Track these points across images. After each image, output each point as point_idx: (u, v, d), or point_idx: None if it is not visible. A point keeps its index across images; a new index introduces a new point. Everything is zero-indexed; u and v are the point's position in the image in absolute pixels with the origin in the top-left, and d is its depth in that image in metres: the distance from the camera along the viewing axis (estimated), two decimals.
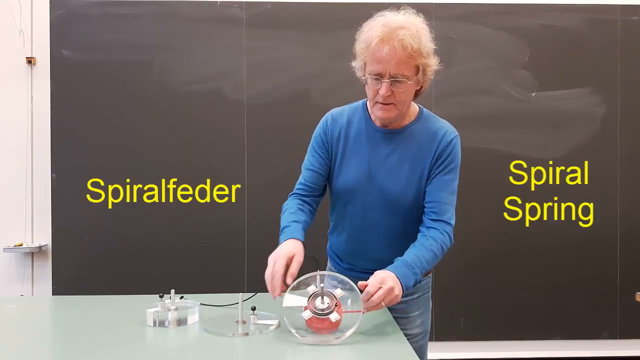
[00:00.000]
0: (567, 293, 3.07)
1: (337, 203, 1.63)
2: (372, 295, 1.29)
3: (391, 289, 1.31)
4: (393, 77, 1.41)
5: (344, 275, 1.41)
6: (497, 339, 3.09)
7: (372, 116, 1.57)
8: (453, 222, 1.54)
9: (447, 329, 3.05)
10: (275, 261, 1.37)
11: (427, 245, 1.46)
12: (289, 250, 1.40)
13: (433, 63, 1.46)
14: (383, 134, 1.55)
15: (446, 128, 1.56)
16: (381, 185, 1.53)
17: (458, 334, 3.07)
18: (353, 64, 1.51)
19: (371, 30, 1.42)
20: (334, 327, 1.29)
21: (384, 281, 1.32)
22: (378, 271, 1.37)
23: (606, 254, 3.09)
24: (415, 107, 1.59)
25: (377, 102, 1.47)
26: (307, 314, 1.29)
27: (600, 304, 3.08)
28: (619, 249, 3.09)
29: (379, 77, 1.42)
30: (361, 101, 1.62)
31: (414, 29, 1.39)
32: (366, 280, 1.34)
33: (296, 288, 1.35)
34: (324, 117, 1.65)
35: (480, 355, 3.08)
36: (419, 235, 1.50)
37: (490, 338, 3.09)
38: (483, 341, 3.08)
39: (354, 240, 1.61)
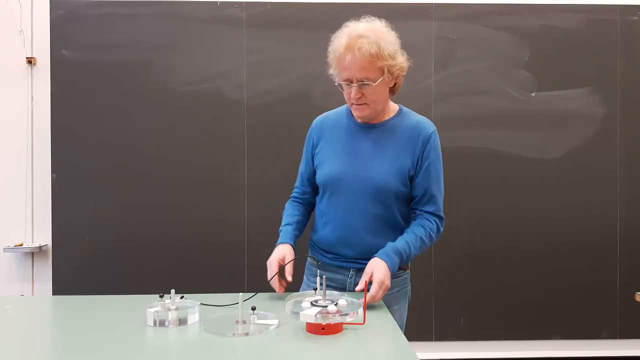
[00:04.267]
0: (567, 293, 3.07)
1: (322, 196, 1.73)
2: (374, 297, 1.50)
3: (387, 287, 1.53)
4: (360, 81, 1.56)
5: (330, 266, 1.67)
6: (496, 339, 3.09)
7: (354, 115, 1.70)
8: (441, 211, 1.69)
9: (447, 329, 3.05)
10: (270, 266, 1.61)
11: (417, 232, 1.63)
12: (279, 254, 1.63)
13: (399, 62, 1.58)
14: (363, 127, 1.68)
15: (425, 122, 1.68)
16: (362, 174, 1.63)
17: (458, 334, 3.07)
18: (329, 72, 1.64)
19: (337, 41, 1.59)
20: (339, 327, 1.30)
21: (382, 282, 1.51)
22: (373, 262, 1.55)
23: (606, 254, 3.09)
24: (395, 106, 1.72)
25: (352, 103, 1.62)
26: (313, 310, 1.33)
27: (600, 304, 3.09)
28: (619, 249, 3.09)
29: (348, 82, 1.58)
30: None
31: (373, 36, 1.52)
32: (354, 268, 1.65)
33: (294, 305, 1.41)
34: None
35: (480, 355, 3.08)
36: (412, 223, 1.67)
37: (490, 338, 3.09)
38: (483, 341, 3.09)
39: (339, 229, 1.68)
